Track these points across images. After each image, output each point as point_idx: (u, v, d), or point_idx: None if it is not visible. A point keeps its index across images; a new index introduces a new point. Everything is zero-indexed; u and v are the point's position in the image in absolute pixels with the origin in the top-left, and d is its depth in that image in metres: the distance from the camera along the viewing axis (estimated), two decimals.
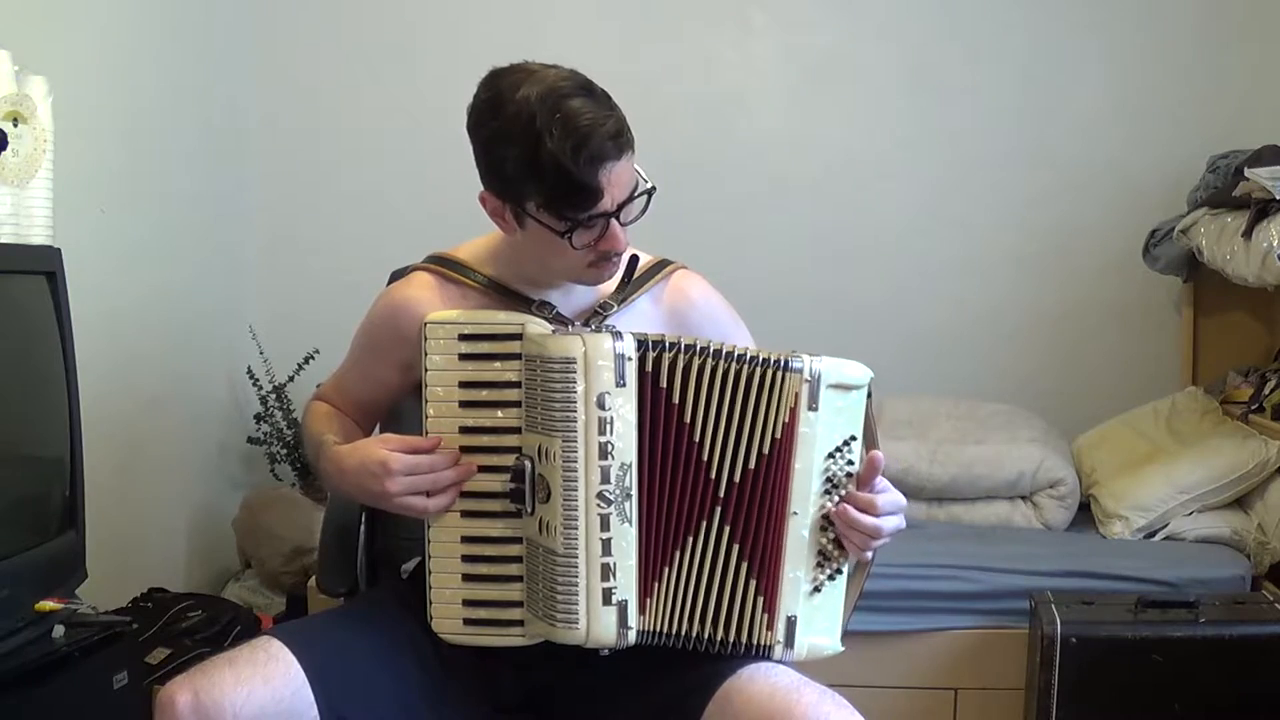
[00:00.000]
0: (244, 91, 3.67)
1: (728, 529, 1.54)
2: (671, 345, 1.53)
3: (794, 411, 1.53)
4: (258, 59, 3.69)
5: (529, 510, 1.54)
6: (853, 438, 1.57)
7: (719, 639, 1.55)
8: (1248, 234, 2.87)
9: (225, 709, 1.41)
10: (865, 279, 3.66)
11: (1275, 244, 2.75)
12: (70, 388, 2.13)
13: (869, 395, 1.58)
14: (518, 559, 1.57)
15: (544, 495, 1.52)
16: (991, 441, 3.09)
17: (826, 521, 1.56)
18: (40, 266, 2.11)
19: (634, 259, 1.70)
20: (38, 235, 2.22)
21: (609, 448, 1.50)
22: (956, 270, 3.64)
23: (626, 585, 1.52)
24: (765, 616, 1.55)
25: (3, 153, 2.10)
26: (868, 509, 1.55)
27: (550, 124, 1.47)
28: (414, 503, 1.56)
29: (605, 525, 1.51)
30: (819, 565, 1.57)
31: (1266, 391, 3.08)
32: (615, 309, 1.68)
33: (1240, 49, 3.51)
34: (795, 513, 1.54)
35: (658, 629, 1.55)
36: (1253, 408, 3.08)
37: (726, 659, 1.54)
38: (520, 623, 1.57)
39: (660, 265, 1.75)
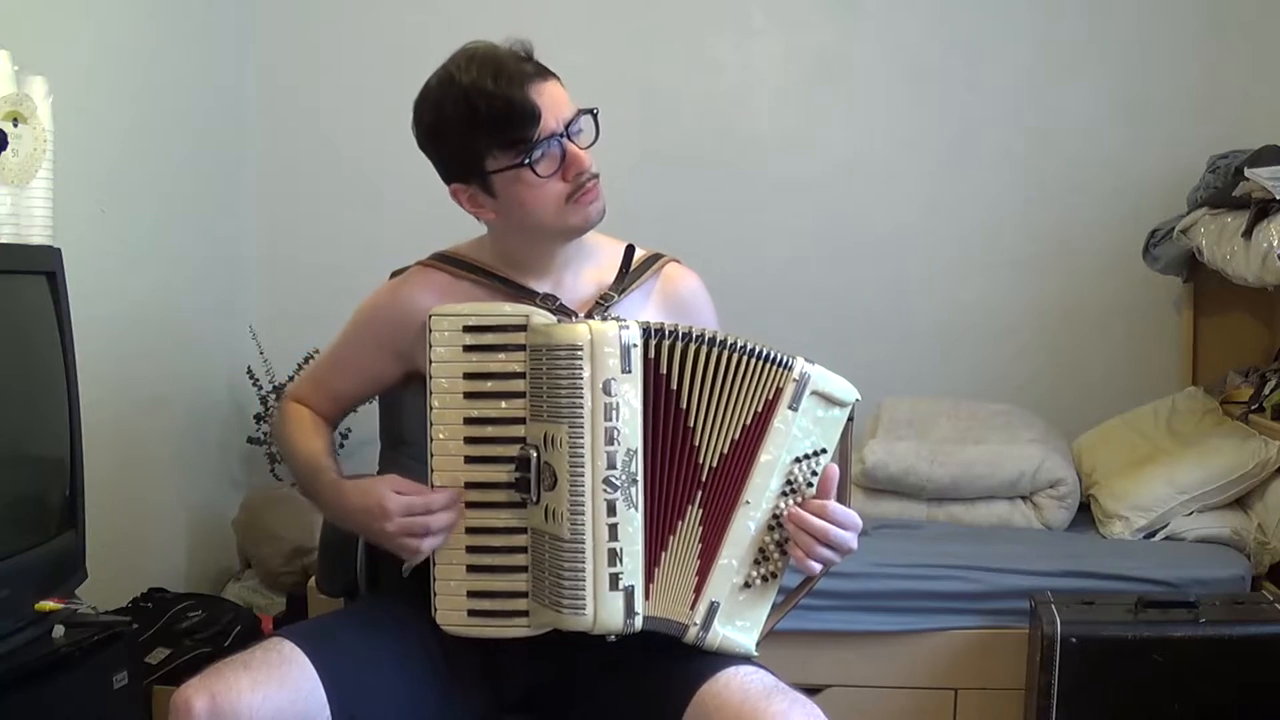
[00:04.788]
0: (244, 92, 3.67)
1: (701, 512, 1.57)
2: (671, 333, 1.55)
3: (773, 405, 1.55)
4: (257, 59, 3.69)
5: (534, 499, 1.55)
6: (823, 450, 1.58)
7: (651, 614, 1.55)
8: (1248, 234, 2.87)
9: (242, 713, 1.41)
10: (865, 279, 3.65)
11: (1275, 244, 2.74)
12: (70, 388, 2.13)
13: (850, 419, 1.60)
14: (522, 549, 1.58)
15: (550, 483, 1.54)
16: (991, 442, 3.09)
17: (776, 522, 1.57)
18: (40, 266, 2.11)
19: (630, 249, 1.73)
20: (38, 235, 2.22)
21: (615, 433, 1.52)
22: (956, 270, 3.64)
23: (633, 571, 1.53)
24: (691, 596, 1.56)
25: (3, 153, 2.10)
26: (819, 513, 1.55)
27: (465, 72, 1.58)
28: (408, 544, 1.57)
29: (612, 510, 1.52)
30: (756, 562, 1.57)
31: (1266, 391, 3.08)
32: (616, 299, 1.70)
33: (1240, 49, 3.51)
34: (748, 501, 1.56)
35: (662, 615, 1.55)
36: (1253, 408, 3.08)
37: (706, 659, 1.54)
38: (525, 613, 1.58)
39: (654, 258, 1.79)
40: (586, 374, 1.51)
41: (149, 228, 3.15)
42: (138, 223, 3.09)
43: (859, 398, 1.60)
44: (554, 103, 1.60)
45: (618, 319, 1.57)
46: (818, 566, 1.57)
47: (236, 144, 3.66)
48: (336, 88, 3.72)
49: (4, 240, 2.13)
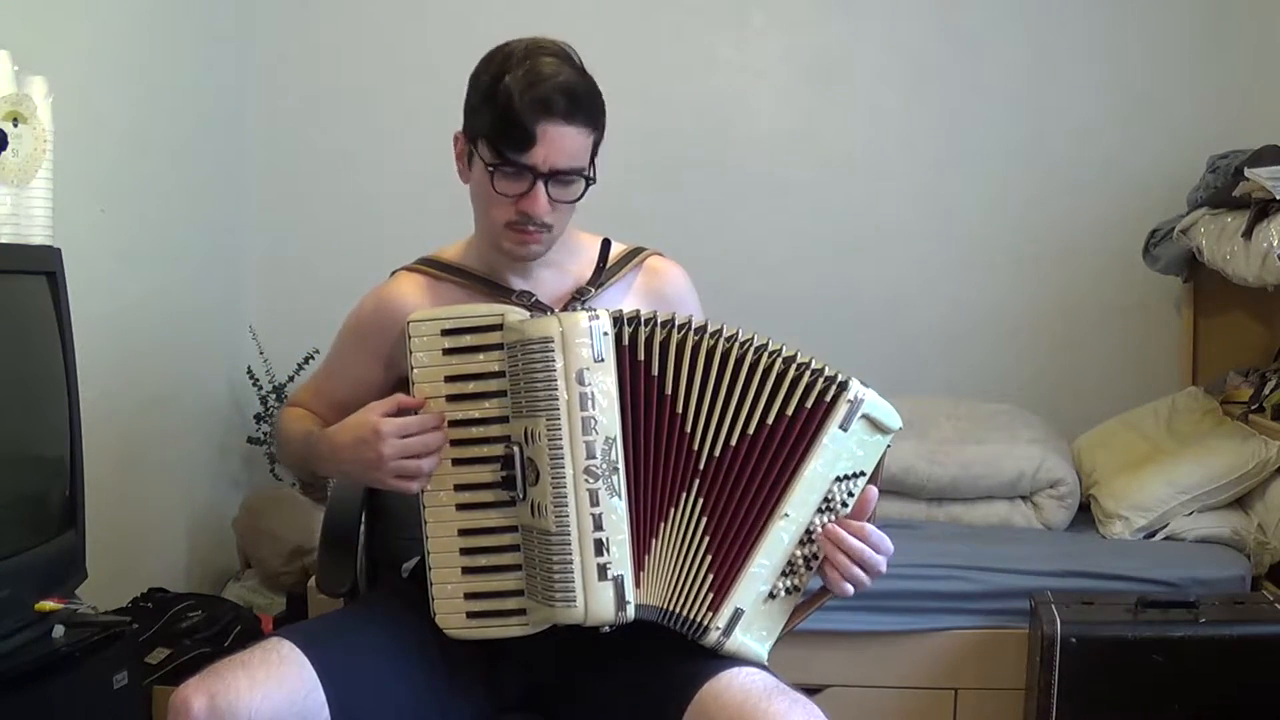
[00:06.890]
0: (244, 91, 3.67)
1: (700, 501, 1.56)
2: (648, 320, 1.56)
3: (819, 419, 1.55)
4: (258, 59, 3.69)
5: (521, 496, 1.56)
6: (862, 473, 1.58)
7: (666, 609, 1.55)
8: (1248, 234, 2.87)
9: (240, 713, 1.41)
10: (865, 279, 3.66)
11: (1275, 244, 2.75)
12: (70, 388, 2.13)
13: (888, 445, 1.60)
14: (515, 548, 1.59)
15: (533, 477, 1.54)
16: (991, 441, 3.09)
17: (808, 537, 1.57)
18: (40, 266, 2.11)
19: (606, 243, 1.74)
20: (38, 235, 2.22)
21: (592, 423, 1.52)
22: (956, 270, 3.64)
23: (621, 560, 1.53)
24: (710, 596, 1.55)
25: (3, 153, 2.10)
26: (857, 534, 1.55)
27: (520, 64, 1.59)
28: (407, 465, 1.57)
29: (595, 500, 1.52)
30: (784, 574, 1.57)
31: (1266, 391, 3.08)
32: (593, 293, 1.71)
33: (1240, 49, 3.51)
34: (787, 514, 1.55)
35: (655, 604, 1.55)
36: (1253, 408, 3.08)
37: (707, 659, 1.54)
38: (522, 611, 1.58)
39: (635, 252, 1.79)
40: (559, 365, 1.52)
41: (149, 228, 3.15)
42: (138, 223, 3.09)
43: (901, 425, 1.60)
44: (557, 148, 1.59)
45: (589, 310, 1.58)
46: (850, 588, 1.56)
47: (236, 144, 3.65)
48: (336, 88, 3.72)
49: (4, 240, 2.13)
